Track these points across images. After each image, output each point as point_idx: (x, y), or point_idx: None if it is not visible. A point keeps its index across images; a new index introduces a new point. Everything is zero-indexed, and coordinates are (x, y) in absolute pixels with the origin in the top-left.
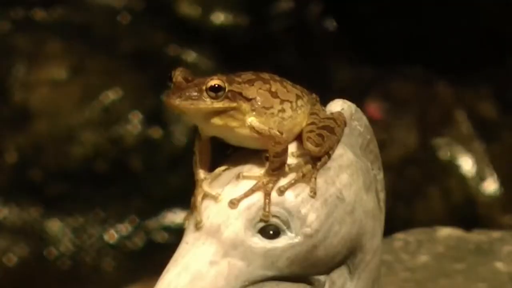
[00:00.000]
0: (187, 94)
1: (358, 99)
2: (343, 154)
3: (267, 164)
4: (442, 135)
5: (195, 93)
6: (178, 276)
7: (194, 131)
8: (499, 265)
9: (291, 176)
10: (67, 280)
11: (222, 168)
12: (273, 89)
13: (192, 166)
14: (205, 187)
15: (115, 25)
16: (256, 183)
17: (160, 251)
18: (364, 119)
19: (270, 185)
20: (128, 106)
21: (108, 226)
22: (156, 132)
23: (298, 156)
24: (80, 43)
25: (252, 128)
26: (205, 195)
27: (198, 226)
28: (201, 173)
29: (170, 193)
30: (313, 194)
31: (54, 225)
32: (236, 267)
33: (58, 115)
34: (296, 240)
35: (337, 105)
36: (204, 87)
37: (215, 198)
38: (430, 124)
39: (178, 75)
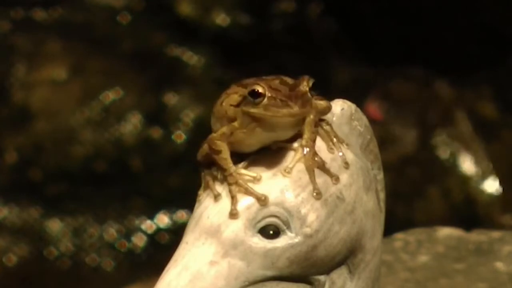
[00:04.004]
0: (301, 100)
1: (358, 99)
2: (343, 154)
3: (305, 135)
4: (442, 135)
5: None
6: (178, 276)
7: (193, 132)
8: (499, 265)
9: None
10: (67, 280)
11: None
12: None
13: (218, 163)
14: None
15: (115, 25)
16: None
17: (160, 251)
18: (364, 119)
19: (315, 158)
20: (128, 106)
21: (108, 226)
22: (156, 132)
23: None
24: (80, 43)
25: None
26: (240, 182)
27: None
28: (233, 166)
29: (170, 193)
30: (317, 195)
31: (54, 225)
32: (236, 267)
33: (58, 115)
34: (296, 240)
35: (337, 105)
36: (303, 93)
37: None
38: (430, 124)
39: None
